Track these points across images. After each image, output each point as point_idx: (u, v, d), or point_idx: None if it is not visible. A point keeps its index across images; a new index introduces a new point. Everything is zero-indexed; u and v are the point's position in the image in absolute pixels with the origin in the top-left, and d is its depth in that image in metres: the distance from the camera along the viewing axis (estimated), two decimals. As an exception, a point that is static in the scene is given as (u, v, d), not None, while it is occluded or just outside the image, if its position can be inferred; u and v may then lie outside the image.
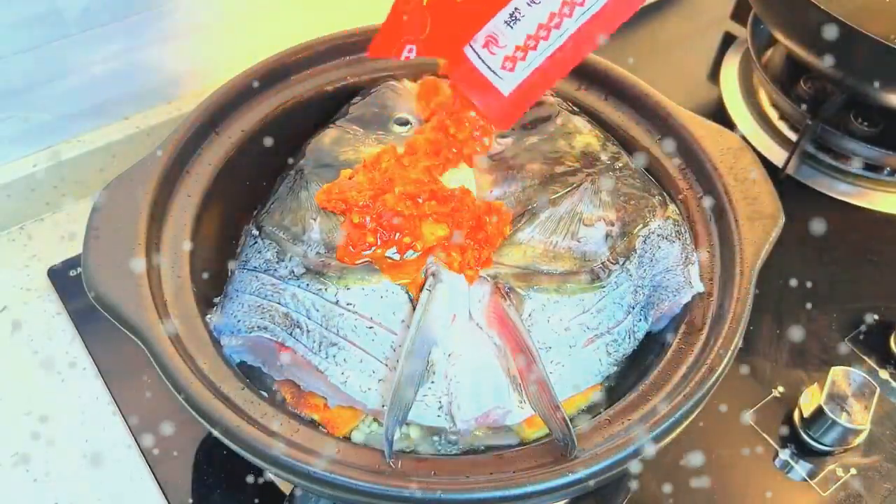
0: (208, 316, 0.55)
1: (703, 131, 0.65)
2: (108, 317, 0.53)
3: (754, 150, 0.65)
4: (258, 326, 0.54)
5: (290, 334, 0.53)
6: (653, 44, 0.99)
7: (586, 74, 0.70)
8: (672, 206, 0.62)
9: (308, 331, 0.54)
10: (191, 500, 0.61)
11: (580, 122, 0.66)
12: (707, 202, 0.63)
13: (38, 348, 0.69)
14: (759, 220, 0.59)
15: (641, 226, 0.59)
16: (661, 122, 0.67)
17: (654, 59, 0.97)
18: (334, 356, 0.53)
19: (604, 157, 0.63)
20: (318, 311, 0.54)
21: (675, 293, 0.58)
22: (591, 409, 0.57)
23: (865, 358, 0.71)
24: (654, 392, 0.53)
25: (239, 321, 0.54)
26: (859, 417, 0.62)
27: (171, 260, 0.57)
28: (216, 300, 0.58)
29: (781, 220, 0.59)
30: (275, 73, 0.68)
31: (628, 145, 0.67)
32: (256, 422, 0.50)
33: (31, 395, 0.66)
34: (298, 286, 0.55)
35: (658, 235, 0.59)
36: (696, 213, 0.63)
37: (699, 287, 0.58)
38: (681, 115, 0.66)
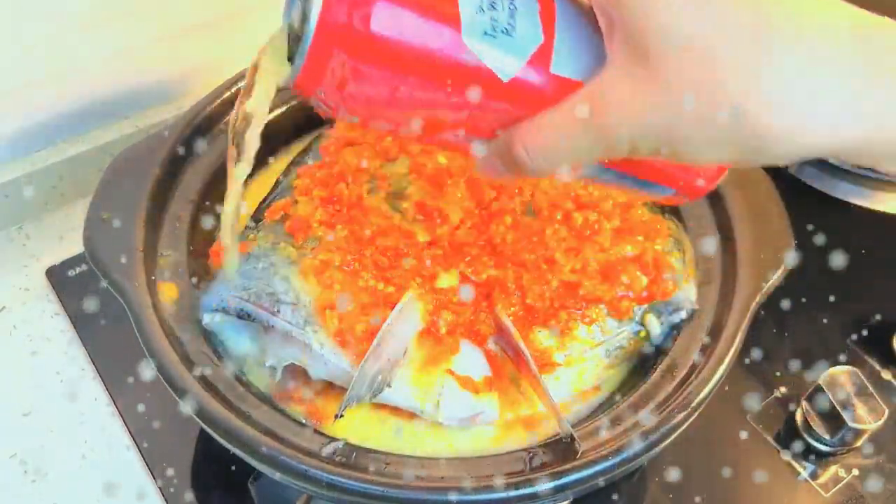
0: (196, 292, 0.56)
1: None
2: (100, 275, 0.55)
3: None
4: (239, 307, 0.55)
5: (274, 313, 0.54)
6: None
7: None
8: (671, 225, 0.62)
9: (294, 310, 0.54)
10: (190, 500, 0.61)
11: None
12: (717, 230, 0.62)
13: (37, 348, 0.69)
14: (768, 258, 0.59)
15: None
16: None
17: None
18: (316, 333, 0.54)
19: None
20: (308, 295, 0.54)
21: (673, 308, 0.58)
22: (590, 414, 0.57)
23: (867, 358, 0.71)
24: (649, 398, 0.53)
25: (222, 300, 0.55)
26: (861, 418, 0.62)
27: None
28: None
29: (789, 262, 0.58)
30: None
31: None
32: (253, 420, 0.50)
33: (30, 396, 0.66)
34: (290, 272, 0.55)
35: (658, 252, 0.59)
36: (706, 240, 0.62)
37: (695, 304, 0.59)
38: None
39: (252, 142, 0.40)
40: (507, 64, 0.36)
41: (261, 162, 0.69)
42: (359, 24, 0.35)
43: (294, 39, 0.38)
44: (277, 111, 0.68)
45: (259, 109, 0.40)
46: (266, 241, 0.58)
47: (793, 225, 0.61)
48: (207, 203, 0.63)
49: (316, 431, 0.52)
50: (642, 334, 0.58)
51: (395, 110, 0.38)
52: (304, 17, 0.35)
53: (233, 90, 0.66)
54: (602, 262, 0.57)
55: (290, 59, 0.38)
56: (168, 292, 0.56)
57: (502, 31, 0.36)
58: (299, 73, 0.37)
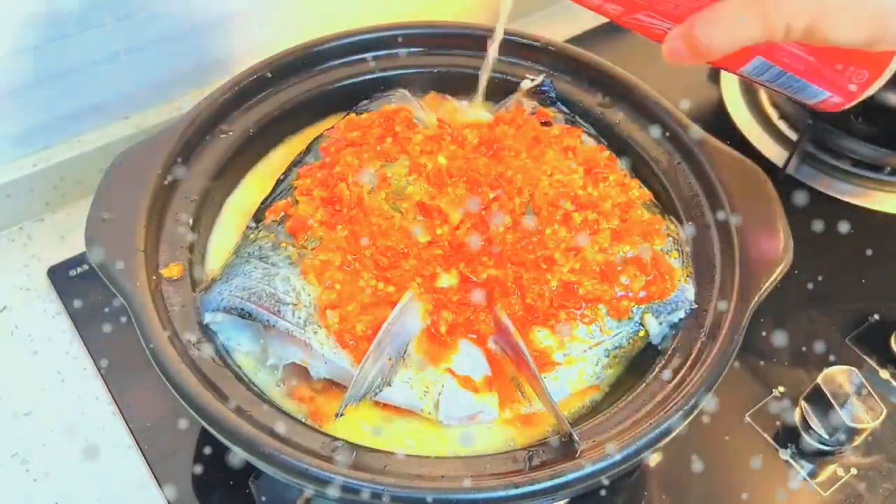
0: (195, 293, 0.57)
1: (726, 160, 0.64)
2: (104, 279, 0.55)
3: (755, 150, 0.65)
4: (240, 307, 0.55)
5: (275, 312, 0.54)
6: (654, 43, 0.99)
7: (612, 88, 0.70)
8: (670, 224, 0.62)
9: (295, 310, 0.54)
10: (191, 501, 0.61)
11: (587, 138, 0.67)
12: (716, 230, 0.62)
13: (38, 348, 0.69)
14: (767, 258, 0.59)
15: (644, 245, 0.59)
16: (681, 145, 0.67)
17: (654, 58, 0.97)
18: (316, 333, 0.54)
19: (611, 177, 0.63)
20: (309, 295, 0.54)
21: (672, 307, 0.59)
22: (589, 413, 0.57)
23: (866, 358, 0.71)
24: (648, 398, 0.54)
25: (223, 300, 0.55)
26: (860, 417, 0.62)
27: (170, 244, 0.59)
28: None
29: (788, 261, 0.59)
30: (278, 72, 0.68)
31: (645, 165, 0.67)
32: (252, 418, 0.50)
33: (31, 395, 0.66)
34: (291, 272, 0.55)
35: (657, 252, 0.60)
36: (704, 239, 0.62)
37: (693, 304, 0.59)
38: (703, 141, 0.66)
39: None
40: None
41: (285, 137, 0.70)
42: None
43: None
44: (305, 93, 0.69)
45: None
46: (267, 241, 0.58)
47: (792, 225, 0.61)
48: (208, 202, 0.63)
49: (317, 430, 0.52)
50: (641, 334, 0.58)
51: None
52: None
53: (233, 91, 0.66)
54: (601, 263, 0.58)
55: None
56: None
57: None
58: None
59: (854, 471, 0.65)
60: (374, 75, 0.71)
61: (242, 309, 0.55)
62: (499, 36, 0.64)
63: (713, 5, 0.47)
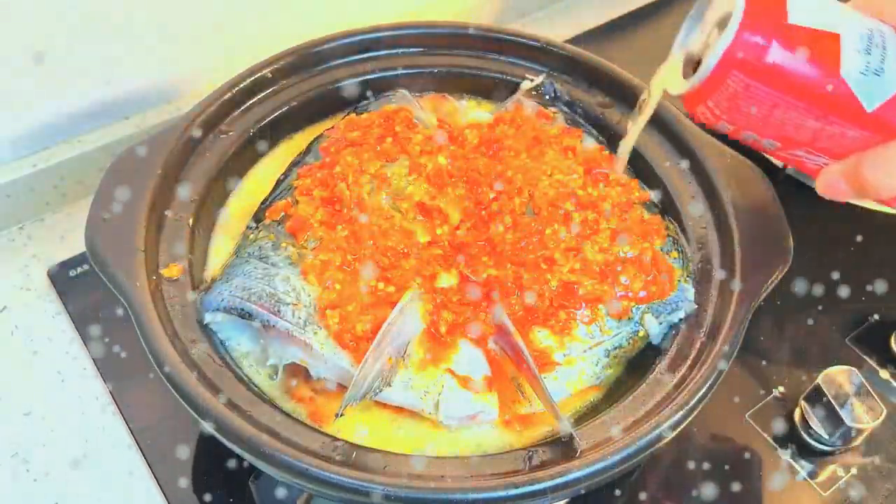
0: (195, 293, 0.57)
1: (726, 160, 0.64)
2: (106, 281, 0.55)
3: (755, 151, 0.64)
4: (240, 307, 0.55)
5: (275, 312, 0.54)
6: (654, 43, 0.99)
7: (612, 89, 0.70)
8: (670, 224, 0.62)
9: (295, 310, 0.54)
10: (191, 499, 0.61)
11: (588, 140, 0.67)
12: (716, 230, 0.62)
13: (38, 348, 0.69)
14: (767, 258, 0.59)
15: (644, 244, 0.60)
16: (681, 146, 0.67)
17: (655, 59, 0.97)
18: (316, 333, 0.54)
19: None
20: (309, 295, 0.55)
21: (672, 307, 0.59)
22: (589, 413, 0.57)
23: (866, 358, 0.71)
24: (648, 398, 0.54)
25: (223, 300, 0.55)
26: (860, 417, 0.62)
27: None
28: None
29: (788, 261, 0.59)
30: (278, 72, 0.68)
31: (645, 165, 0.67)
32: (253, 418, 0.50)
33: (31, 396, 0.66)
34: (291, 272, 0.55)
35: (657, 252, 0.60)
36: (704, 240, 0.62)
37: (693, 304, 0.59)
38: (703, 142, 0.66)
39: (646, 111, 0.56)
40: (874, 98, 0.45)
41: (285, 137, 0.70)
42: (758, 58, 0.44)
43: (689, 61, 0.49)
44: (305, 93, 0.69)
45: (652, 99, 0.55)
46: (267, 241, 0.58)
47: (791, 225, 0.61)
48: (208, 202, 0.63)
49: (316, 430, 0.52)
50: (641, 334, 0.58)
51: (769, 123, 0.47)
52: (708, 47, 0.46)
53: (233, 91, 0.66)
54: (601, 262, 0.58)
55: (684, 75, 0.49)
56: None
57: (874, 72, 0.45)
58: (697, 86, 0.47)
59: (854, 471, 0.65)
60: (374, 75, 0.71)
61: (242, 309, 0.55)
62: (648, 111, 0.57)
63: (887, 145, 0.46)
